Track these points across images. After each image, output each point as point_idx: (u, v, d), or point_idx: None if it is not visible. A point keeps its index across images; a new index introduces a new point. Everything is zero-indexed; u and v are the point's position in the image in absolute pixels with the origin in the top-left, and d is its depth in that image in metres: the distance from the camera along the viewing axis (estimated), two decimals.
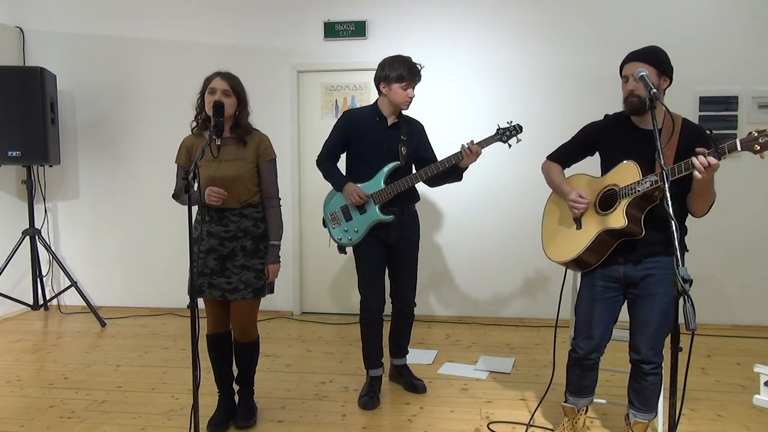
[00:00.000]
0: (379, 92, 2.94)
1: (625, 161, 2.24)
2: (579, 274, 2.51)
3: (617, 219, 2.20)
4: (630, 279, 2.28)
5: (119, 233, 4.99)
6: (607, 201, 2.29)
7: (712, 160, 1.95)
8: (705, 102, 4.31)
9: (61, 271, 4.79)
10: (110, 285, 5.02)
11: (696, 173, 1.98)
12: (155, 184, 4.83)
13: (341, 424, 2.79)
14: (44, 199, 4.96)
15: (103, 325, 4.50)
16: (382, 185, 2.89)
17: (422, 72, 2.93)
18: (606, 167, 2.36)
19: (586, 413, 2.53)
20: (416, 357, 3.64)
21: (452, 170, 2.87)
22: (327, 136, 3.03)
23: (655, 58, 2.19)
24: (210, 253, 2.60)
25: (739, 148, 1.93)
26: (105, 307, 4.98)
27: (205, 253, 2.59)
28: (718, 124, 4.29)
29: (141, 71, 4.86)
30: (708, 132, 2.18)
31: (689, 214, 2.26)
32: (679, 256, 1.65)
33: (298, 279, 4.80)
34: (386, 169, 2.90)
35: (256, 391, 2.90)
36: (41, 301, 4.82)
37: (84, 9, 4.88)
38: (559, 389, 2.70)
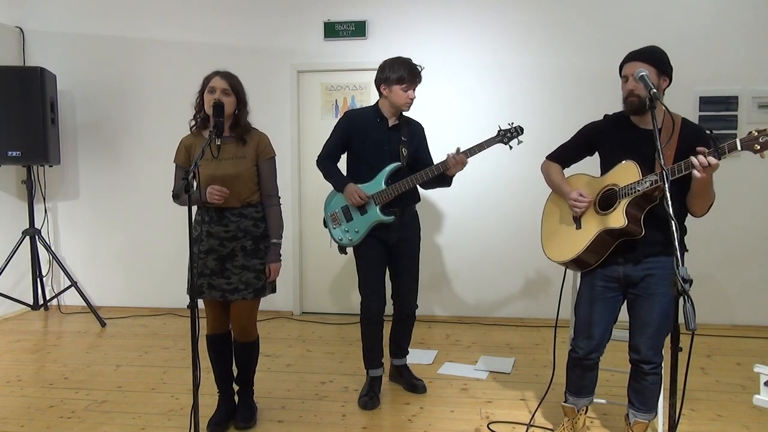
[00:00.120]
0: (380, 94, 2.94)
1: (624, 161, 2.24)
2: (579, 274, 2.51)
3: (617, 219, 2.20)
4: (630, 279, 2.28)
5: (119, 233, 4.99)
6: (606, 201, 2.29)
7: (712, 160, 1.94)
8: (705, 102, 4.31)
9: (61, 271, 4.79)
10: (110, 285, 5.02)
11: (695, 172, 1.98)
12: (155, 184, 4.83)
13: (341, 424, 2.79)
14: (44, 199, 4.96)
15: (103, 325, 4.50)
16: (383, 186, 2.89)
17: (422, 73, 2.94)
18: (605, 167, 2.36)
19: (586, 413, 2.53)
20: (416, 357, 3.64)
21: (441, 176, 2.89)
22: (327, 137, 3.03)
23: (655, 58, 2.19)
24: (210, 254, 2.59)
25: (739, 148, 1.93)
26: (105, 307, 4.98)
27: (204, 254, 2.59)
28: (718, 124, 4.29)
29: (141, 71, 4.86)
30: (708, 132, 2.18)
31: (689, 214, 2.26)
32: (679, 256, 1.65)
33: (298, 279, 4.80)
34: (387, 169, 2.91)
35: (256, 391, 2.90)
36: (41, 301, 4.82)
37: (84, 9, 4.88)
38: (559, 389, 2.70)
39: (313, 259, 4.83)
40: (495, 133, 2.94)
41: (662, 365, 2.29)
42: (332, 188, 3.02)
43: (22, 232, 4.64)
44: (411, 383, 3.18)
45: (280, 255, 2.71)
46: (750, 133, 1.92)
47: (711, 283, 4.39)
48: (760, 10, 4.24)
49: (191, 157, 2.62)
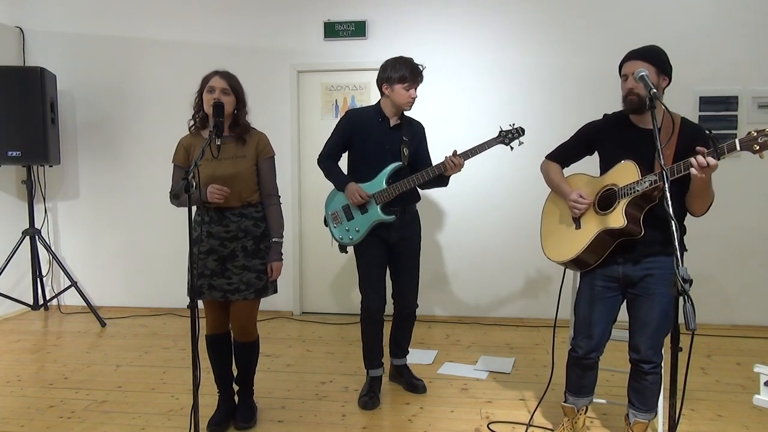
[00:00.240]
0: (382, 93, 2.95)
1: (624, 161, 2.24)
2: (578, 274, 2.51)
3: (616, 219, 2.20)
4: (629, 279, 2.28)
5: (119, 233, 4.99)
6: (606, 201, 2.29)
7: (711, 160, 1.94)
8: (705, 102, 4.31)
9: (61, 271, 4.79)
10: (110, 285, 5.02)
11: (693, 171, 1.98)
12: (155, 184, 4.83)
13: (341, 424, 2.79)
14: (44, 199, 4.96)
15: (103, 325, 4.50)
16: (384, 185, 2.90)
17: (423, 72, 2.94)
18: (605, 167, 2.36)
19: (585, 413, 2.53)
20: (416, 357, 3.64)
21: (439, 177, 2.91)
22: (327, 136, 3.04)
23: (655, 57, 2.19)
24: (210, 254, 2.59)
25: (738, 148, 1.93)
26: (105, 307, 4.98)
27: (205, 254, 2.59)
28: (718, 124, 4.29)
29: (141, 71, 4.86)
30: (707, 132, 2.18)
31: (688, 214, 2.26)
32: (679, 256, 1.65)
33: (298, 279, 4.80)
34: (388, 169, 2.91)
35: (256, 391, 2.90)
36: (41, 301, 4.82)
37: (84, 9, 4.88)
38: (559, 389, 2.70)
39: (313, 259, 4.83)
40: (496, 134, 2.95)
41: (662, 365, 2.29)
42: (333, 187, 3.03)
43: (22, 232, 4.64)
44: (411, 383, 3.18)
45: (282, 254, 2.71)
46: (749, 133, 1.92)
47: (711, 283, 4.39)
48: (760, 10, 4.24)
49: (190, 157, 2.62)
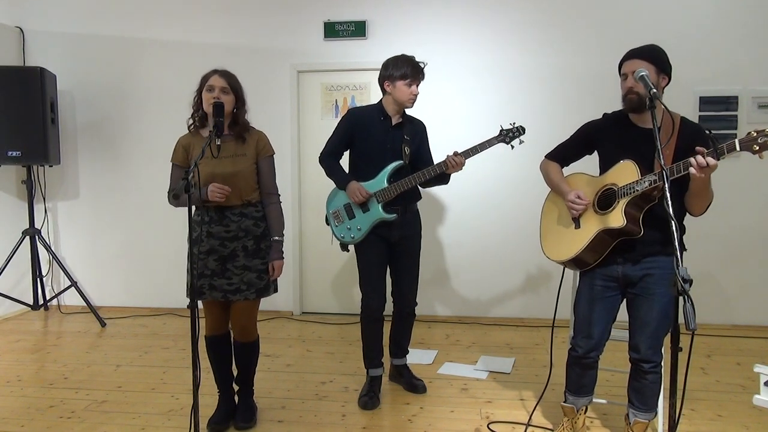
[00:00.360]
0: (384, 91, 2.96)
1: (623, 160, 2.24)
2: (578, 274, 2.51)
3: (616, 218, 2.20)
4: (629, 278, 2.28)
5: (119, 233, 4.99)
6: (605, 200, 2.29)
7: (711, 160, 1.94)
8: (705, 102, 4.31)
9: (61, 271, 4.79)
10: (110, 285, 5.02)
11: (692, 171, 1.98)
12: (155, 184, 4.83)
13: (341, 424, 2.79)
14: (44, 199, 4.96)
15: (103, 325, 4.50)
16: (386, 184, 2.90)
17: (424, 70, 2.95)
18: (605, 166, 2.36)
19: (585, 413, 2.53)
20: (416, 357, 3.64)
21: (440, 175, 2.93)
22: (327, 136, 3.05)
23: (655, 56, 2.19)
24: (210, 254, 2.58)
25: (737, 148, 1.93)
26: (105, 307, 4.98)
27: (205, 254, 2.58)
28: (718, 124, 4.29)
29: (141, 71, 4.86)
30: (707, 132, 2.18)
31: (687, 214, 2.26)
32: (679, 256, 1.65)
33: (298, 279, 4.80)
34: (390, 168, 2.92)
35: (256, 391, 2.90)
36: (41, 301, 4.82)
37: (84, 9, 4.88)
38: (559, 389, 2.70)
39: (313, 258, 4.83)
40: (497, 133, 2.97)
41: (662, 364, 2.29)
42: (334, 186, 3.03)
43: (22, 232, 4.64)
44: (411, 383, 3.18)
45: (283, 252, 2.71)
46: (749, 133, 1.92)
47: (711, 283, 4.39)
48: (760, 10, 4.24)
49: (189, 156, 2.62)
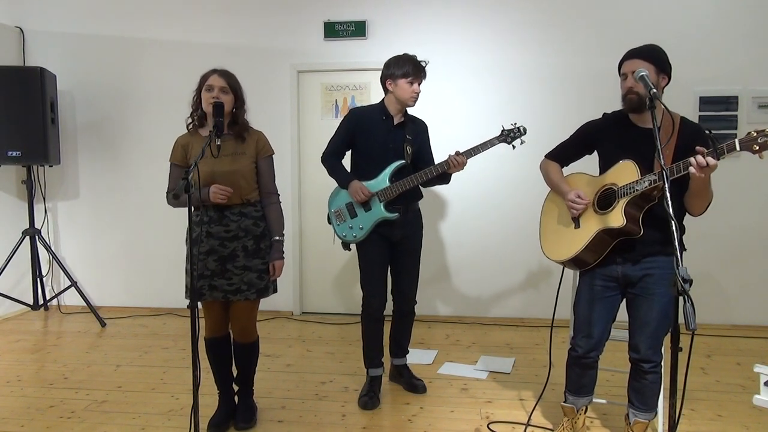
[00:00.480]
0: (386, 90, 2.97)
1: (623, 160, 2.24)
2: (578, 274, 2.51)
3: (616, 218, 2.20)
4: (628, 278, 2.28)
5: (119, 233, 4.99)
6: (605, 200, 2.29)
7: (711, 160, 1.94)
8: (705, 102, 4.31)
9: (61, 271, 4.79)
10: (110, 285, 5.02)
11: (692, 170, 1.98)
12: (155, 184, 4.83)
13: (341, 424, 2.79)
14: (44, 199, 4.96)
15: (103, 325, 4.50)
16: (388, 183, 2.91)
17: (426, 69, 2.96)
18: (604, 166, 2.36)
19: (585, 413, 2.53)
20: (416, 357, 3.64)
21: (441, 175, 2.94)
22: (328, 136, 3.06)
23: (654, 56, 2.19)
24: (210, 255, 2.58)
25: (737, 148, 1.93)
26: (105, 307, 4.98)
27: (204, 255, 2.58)
28: (718, 124, 4.29)
29: (141, 71, 4.86)
30: (707, 132, 2.18)
31: (686, 214, 2.26)
32: (679, 256, 1.65)
33: (298, 279, 4.80)
34: (392, 167, 2.93)
35: (256, 391, 2.90)
36: (41, 301, 4.82)
37: (84, 9, 4.88)
38: (559, 389, 2.70)
39: (314, 258, 4.83)
40: (499, 133, 2.99)
41: (662, 364, 2.29)
42: (336, 186, 3.04)
43: (22, 232, 4.64)
44: (411, 383, 3.18)
45: (284, 252, 2.71)
46: (749, 133, 1.92)
47: (711, 282, 4.39)
48: (760, 10, 4.24)
49: (188, 155, 2.62)
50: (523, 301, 4.60)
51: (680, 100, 4.13)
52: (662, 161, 1.83)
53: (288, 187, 4.63)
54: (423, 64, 2.93)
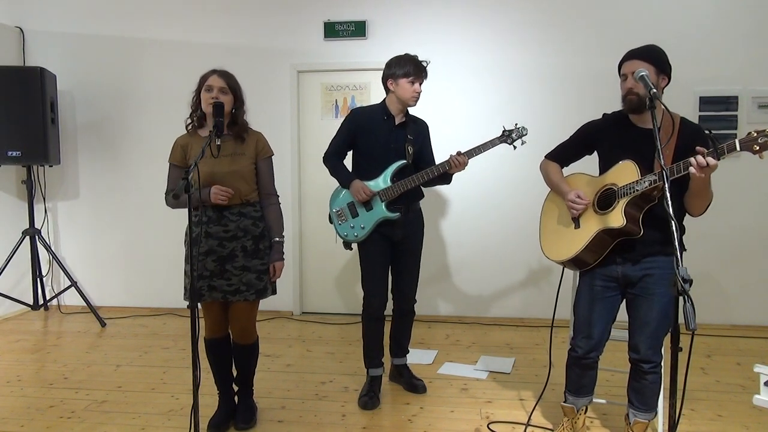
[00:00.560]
0: (387, 90, 2.97)
1: (623, 161, 2.24)
2: (578, 274, 2.51)
3: (616, 218, 2.20)
4: (628, 279, 2.28)
5: (119, 233, 4.99)
6: (605, 200, 2.29)
7: (711, 160, 1.94)
8: (705, 102, 4.31)
9: (61, 271, 4.79)
10: (110, 285, 5.02)
11: (692, 171, 1.98)
12: (155, 184, 4.83)
13: (341, 424, 2.79)
14: (44, 199, 4.96)
15: (103, 325, 4.50)
16: (389, 183, 2.92)
17: (427, 69, 2.97)
18: (604, 166, 2.36)
19: (585, 413, 2.53)
20: (416, 357, 3.64)
21: (442, 175, 2.95)
22: (328, 136, 3.07)
23: (654, 57, 2.19)
24: (209, 255, 2.57)
25: (738, 149, 1.93)
26: (105, 307, 4.98)
27: (203, 255, 2.57)
28: (718, 124, 4.29)
29: (141, 71, 4.86)
30: (707, 132, 2.17)
31: (686, 214, 2.26)
32: (679, 256, 1.65)
33: (298, 279, 4.80)
34: (393, 167, 2.94)
35: (256, 391, 2.90)
36: (41, 301, 4.82)
37: (84, 9, 4.88)
38: (559, 389, 2.70)
39: (313, 258, 4.83)
40: (500, 133, 3.00)
41: (662, 364, 2.29)
42: (336, 185, 3.05)
43: (22, 232, 4.64)
44: (411, 383, 3.18)
45: (284, 253, 2.71)
46: (749, 133, 1.92)
47: (711, 283, 4.39)
48: (760, 10, 4.24)
49: (187, 156, 2.62)
50: (523, 301, 4.60)
51: (680, 100, 4.13)
52: (662, 161, 1.83)
53: (288, 188, 4.63)
54: (424, 63, 2.94)
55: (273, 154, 2.72)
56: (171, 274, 4.84)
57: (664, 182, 1.79)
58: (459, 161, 2.87)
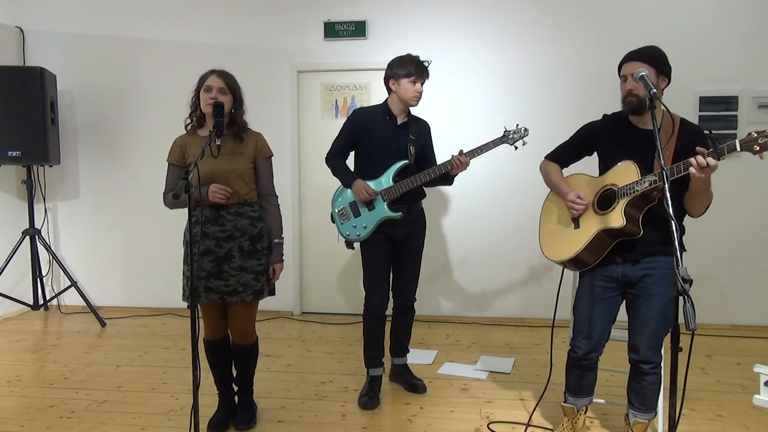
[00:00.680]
0: (389, 90, 2.98)
1: (623, 161, 2.24)
2: (578, 274, 2.51)
3: (616, 219, 2.20)
4: (628, 279, 2.28)
5: (119, 233, 4.99)
6: (605, 200, 2.29)
7: (711, 160, 1.94)
8: (705, 102, 4.31)
9: (61, 271, 4.79)
10: (110, 285, 5.02)
11: (692, 171, 1.98)
12: (155, 184, 4.82)
13: (341, 424, 2.79)
14: (44, 199, 4.96)
15: (103, 325, 4.50)
16: (391, 182, 2.93)
17: (429, 69, 2.98)
18: (604, 167, 2.36)
19: (585, 413, 2.53)
20: (416, 357, 3.64)
21: (444, 175, 2.95)
22: (328, 136, 3.09)
23: (654, 58, 2.19)
24: (206, 255, 2.55)
25: (738, 149, 1.93)
26: (105, 307, 4.98)
27: (200, 255, 2.56)
28: (718, 124, 4.29)
29: (141, 71, 4.86)
30: (707, 132, 2.17)
31: (686, 215, 2.26)
32: (679, 256, 1.65)
33: (298, 279, 4.80)
34: (395, 167, 2.94)
35: (256, 391, 2.90)
36: (41, 301, 4.82)
37: (84, 9, 4.88)
38: (559, 389, 2.70)
39: (313, 259, 4.83)
40: (501, 134, 3.01)
41: (661, 365, 2.29)
42: (336, 185, 3.06)
43: (22, 232, 4.64)
44: (411, 383, 3.18)
45: (283, 254, 2.71)
46: (749, 134, 1.92)
47: (711, 283, 4.39)
48: (760, 10, 4.24)
49: (186, 156, 2.61)
50: (523, 301, 4.60)
51: (680, 100, 4.13)
52: (662, 162, 1.83)
53: (288, 187, 4.63)
54: (426, 63, 2.94)
55: (272, 155, 2.72)
56: (171, 274, 4.84)
57: (664, 182, 1.79)
58: (460, 161, 2.88)
